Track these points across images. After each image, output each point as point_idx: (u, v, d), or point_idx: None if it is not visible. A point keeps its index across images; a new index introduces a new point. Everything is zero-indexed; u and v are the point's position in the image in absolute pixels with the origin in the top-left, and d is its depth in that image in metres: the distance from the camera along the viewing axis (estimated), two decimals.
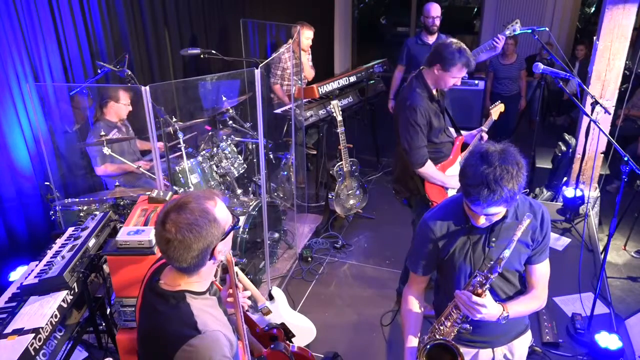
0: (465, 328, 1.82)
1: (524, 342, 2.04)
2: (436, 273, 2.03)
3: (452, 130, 3.13)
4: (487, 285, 1.71)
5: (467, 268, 1.83)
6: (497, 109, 3.19)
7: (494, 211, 1.65)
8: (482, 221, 1.70)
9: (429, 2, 4.64)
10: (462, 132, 3.18)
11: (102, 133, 3.33)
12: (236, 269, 1.93)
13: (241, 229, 3.40)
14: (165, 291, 1.45)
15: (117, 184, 3.32)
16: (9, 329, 1.94)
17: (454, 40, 2.72)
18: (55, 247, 2.46)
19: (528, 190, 4.77)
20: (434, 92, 2.83)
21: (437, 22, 4.60)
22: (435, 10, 4.54)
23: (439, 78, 2.75)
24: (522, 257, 1.82)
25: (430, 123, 2.81)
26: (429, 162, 2.84)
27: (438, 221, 1.84)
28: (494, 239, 1.78)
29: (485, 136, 3.08)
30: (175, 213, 1.36)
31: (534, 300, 1.86)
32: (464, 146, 3.11)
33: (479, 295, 1.70)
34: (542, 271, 1.87)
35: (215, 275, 1.58)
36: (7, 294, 2.21)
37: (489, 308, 1.70)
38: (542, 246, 1.82)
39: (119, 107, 3.68)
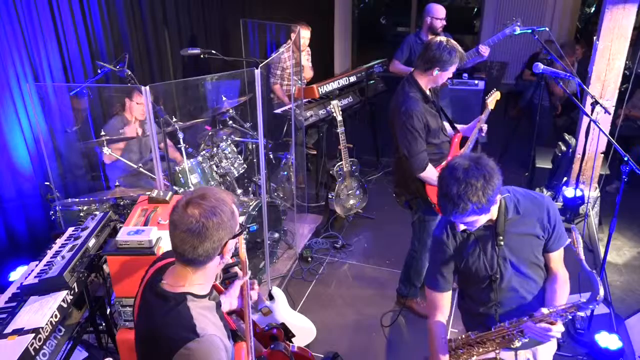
0: (523, 342, 1.87)
1: (549, 348, 2.04)
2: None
3: (448, 126, 3.12)
4: (565, 320, 1.76)
5: (483, 270, 1.88)
6: (492, 98, 3.13)
7: (469, 220, 1.70)
8: (462, 227, 1.76)
9: (432, 2, 4.58)
10: (459, 126, 3.17)
11: (102, 133, 3.33)
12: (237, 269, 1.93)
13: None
14: (166, 292, 1.45)
15: (117, 184, 3.32)
16: (9, 329, 1.93)
17: (442, 38, 2.74)
18: (55, 247, 2.46)
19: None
20: (427, 92, 2.84)
21: (444, 23, 4.59)
22: (444, 12, 4.51)
23: (436, 78, 2.77)
24: (536, 249, 1.88)
25: (428, 125, 2.81)
26: (430, 166, 2.84)
27: (447, 233, 1.90)
28: (500, 238, 1.82)
29: (485, 127, 3.05)
30: (199, 199, 1.41)
31: (565, 285, 1.92)
32: (464, 141, 3.11)
33: (552, 324, 1.75)
34: (558, 256, 1.92)
35: (216, 279, 1.59)
36: (7, 294, 2.20)
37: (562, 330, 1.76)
38: (556, 233, 1.87)
39: (132, 105, 3.71)
